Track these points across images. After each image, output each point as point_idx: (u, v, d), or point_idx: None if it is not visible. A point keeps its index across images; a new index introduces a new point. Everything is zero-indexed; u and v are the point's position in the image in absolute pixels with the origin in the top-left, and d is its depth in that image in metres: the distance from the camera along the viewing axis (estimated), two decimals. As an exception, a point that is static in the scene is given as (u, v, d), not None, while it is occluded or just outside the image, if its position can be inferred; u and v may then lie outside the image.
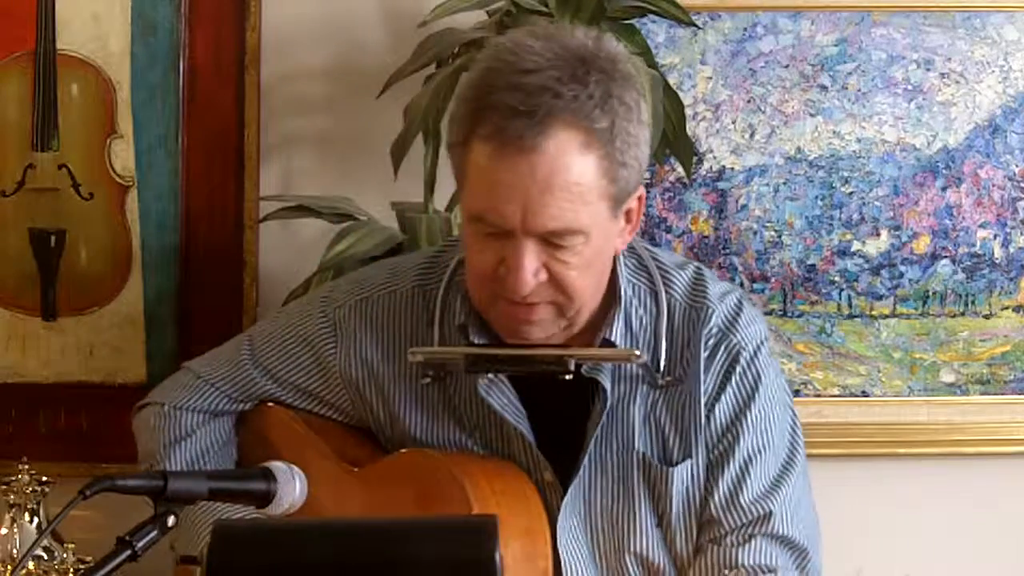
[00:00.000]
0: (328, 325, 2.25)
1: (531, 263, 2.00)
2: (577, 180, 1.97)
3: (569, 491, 2.12)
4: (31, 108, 2.86)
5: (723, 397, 2.13)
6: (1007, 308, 2.91)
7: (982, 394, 2.91)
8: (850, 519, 2.81)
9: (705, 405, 2.12)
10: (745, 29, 2.89)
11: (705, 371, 2.13)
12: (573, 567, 2.10)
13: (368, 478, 2.14)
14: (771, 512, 2.09)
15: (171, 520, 1.81)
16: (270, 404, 2.31)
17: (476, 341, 2.13)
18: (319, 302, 2.29)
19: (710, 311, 2.14)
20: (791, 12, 2.89)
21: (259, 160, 2.88)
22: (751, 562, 2.07)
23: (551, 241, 2.00)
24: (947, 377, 2.91)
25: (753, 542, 2.08)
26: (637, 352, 2.09)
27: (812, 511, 2.16)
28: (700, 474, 2.12)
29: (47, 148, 2.86)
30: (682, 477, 2.12)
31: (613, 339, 2.12)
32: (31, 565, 2.45)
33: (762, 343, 2.17)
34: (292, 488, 1.90)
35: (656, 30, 2.86)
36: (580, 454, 2.12)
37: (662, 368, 2.13)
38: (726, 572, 2.06)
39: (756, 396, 2.13)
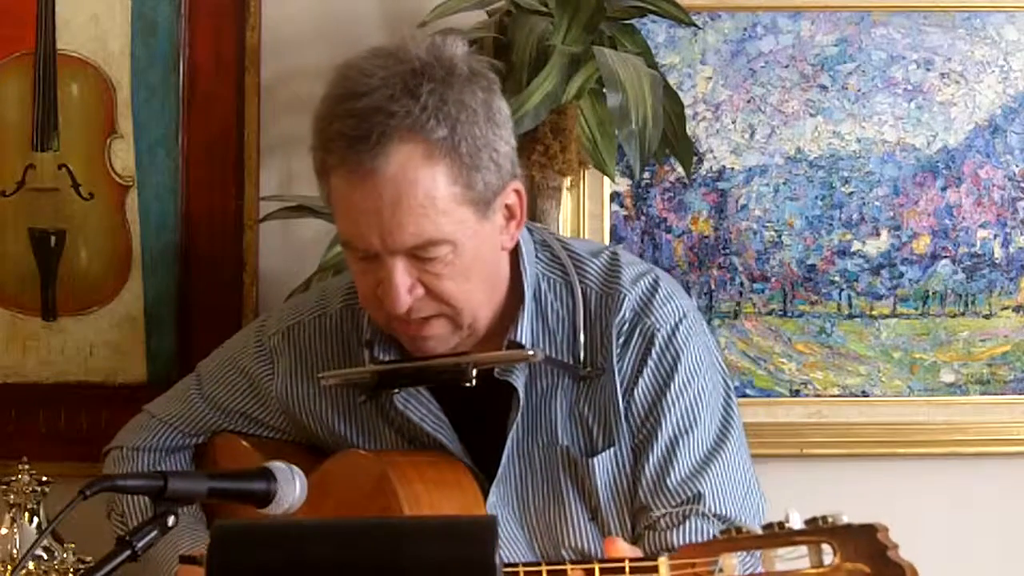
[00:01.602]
0: (263, 355, 2.29)
1: (403, 280, 2.01)
2: (426, 193, 1.98)
3: (492, 491, 2.12)
4: (31, 108, 2.86)
5: (641, 381, 2.11)
6: (1007, 308, 2.91)
7: (982, 394, 2.91)
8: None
9: (624, 392, 2.11)
10: (745, 29, 2.89)
11: (620, 358, 2.11)
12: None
13: (308, 486, 2.14)
14: (700, 493, 2.07)
15: (171, 520, 1.81)
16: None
17: (382, 357, 2.15)
18: (255, 332, 2.33)
19: (622, 297, 2.13)
20: (791, 12, 2.89)
21: (259, 160, 2.88)
22: (686, 542, 2.04)
23: (417, 256, 2.00)
24: (947, 377, 2.91)
25: (687, 523, 2.05)
26: (532, 352, 2.08)
27: (751, 485, 2.14)
28: (625, 462, 2.11)
29: (47, 148, 2.86)
30: (605, 467, 2.10)
31: (520, 339, 2.11)
32: (31, 565, 2.45)
33: (681, 320, 2.13)
34: (292, 488, 1.90)
35: (656, 30, 2.85)
36: (503, 454, 2.13)
37: (582, 359, 2.12)
38: (663, 557, 2.03)
39: (676, 375, 2.11)
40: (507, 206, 2.07)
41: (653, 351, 2.11)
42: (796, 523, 1.56)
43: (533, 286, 2.14)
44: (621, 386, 2.11)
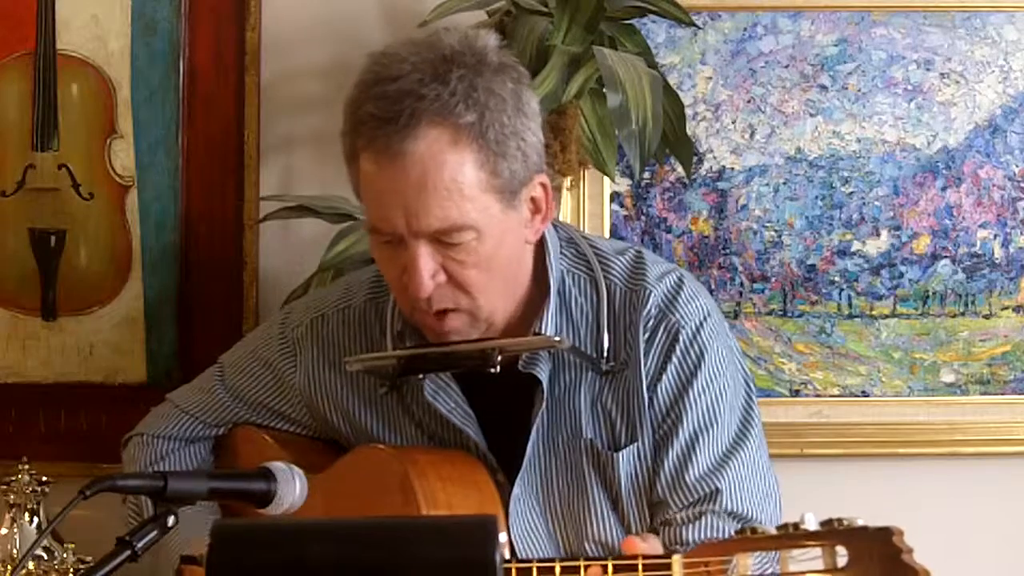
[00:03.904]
0: (287, 347, 2.29)
1: (426, 265, 2.02)
2: (452, 177, 1.99)
3: (516, 485, 2.13)
4: (31, 108, 2.86)
5: (664, 377, 2.12)
6: (1007, 308, 2.91)
7: (982, 394, 2.91)
8: (850, 519, 2.81)
9: (647, 387, 2.12)
10: (745, 29, 2.89)
11: (645, 353, 2.12)
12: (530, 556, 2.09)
13: (325, 480, 2.15)
14: (718, 489, 2.08)
15: (171, 520, 1.81)
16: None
17: (410, 345, 2.16)
18: (279, 324, 2.33)
19: (648, 293, 2.14)
20: (791, 12, 2.89)
21: (259, 160, 2.88)
22: (700, 538, 2.05)
23: (442, 240, 2.01)
24: (947, 377, 2.91)
25: (703, 519, 2.07)
26: (558, 338, 2.09)
27: (770, 486, 2.14)
28: (647, 457, 2.12)
29: (47, 148, 2.87)
30: (628, 460, 2.12)
31: (544, 332, 2.12)
32: (31, 565, 2.45)
33: (705, 319, 2.15)
34: (292, 488, 1.90)
35: (656, 30, 2.86)
36: (527, 446, 2.14)
37: (605, 354, 2.13)
38: (678, 548, 2.04)
39: (699, 373, 2.12)
40: (532, 199, 2.08)
41: (678, 347, 2.13)
42: (811, 524, 1.56)
43: (558, 281, 2.15)
44: (645, 380, 2.12)
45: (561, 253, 2.18)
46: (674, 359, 2.12)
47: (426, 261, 2.02)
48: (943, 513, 2.89)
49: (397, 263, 2.05)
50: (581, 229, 2.79)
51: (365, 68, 2.05)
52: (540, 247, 2.15)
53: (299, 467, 2.18)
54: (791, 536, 1.56)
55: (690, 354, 2.13)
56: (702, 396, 2.12)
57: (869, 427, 2.90)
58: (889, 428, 2.90)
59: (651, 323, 2.13)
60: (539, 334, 2.12)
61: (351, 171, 2.08)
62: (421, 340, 2.15)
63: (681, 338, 2.13)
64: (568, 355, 2.13)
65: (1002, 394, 2.91)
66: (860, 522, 1.54)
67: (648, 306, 2.14)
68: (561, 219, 2.78)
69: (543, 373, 2.12)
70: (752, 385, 2.21)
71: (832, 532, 1.54)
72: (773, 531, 1.57)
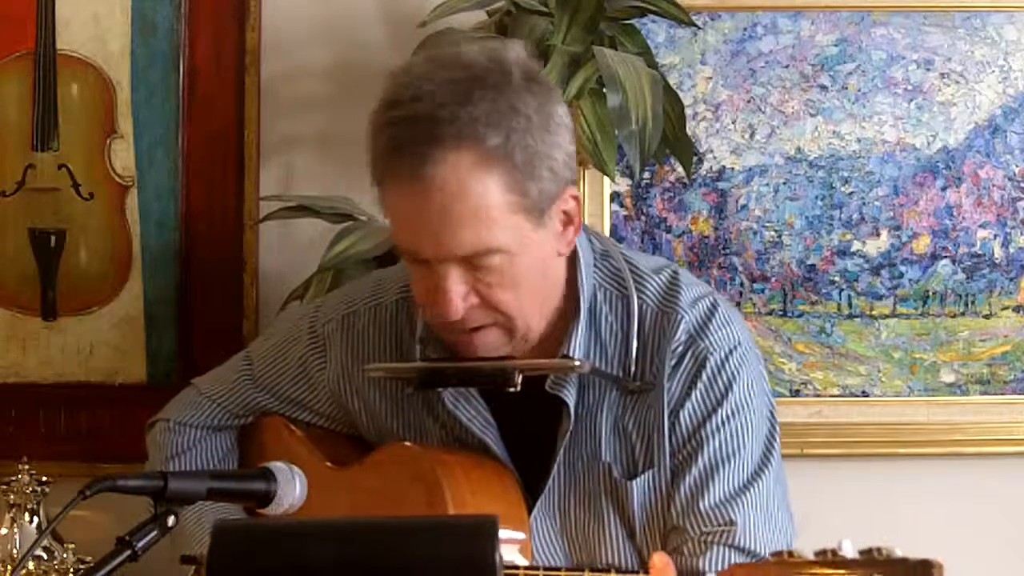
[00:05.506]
0: (317, 341, 2.28)
1: (457, 288, 1.99)
2: (478, 202, 1.95)
3: (538, 503, 2.11)
4: (31, 108, 2.86)
5: (688, 403, 2.09)
6: (1007, 308, 2.91)
7: (982, 394, 2.91)
8: (850, 519, 2.81)
9: (669, 413, 2.09)
10: (745, 29, 2.89)
11: (670, 378, 2.09)
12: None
13: (352, 476, 2.15)
14: (733, 521, 2.05)
15: (171, 520, 1.81)
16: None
17: (432, 355, 2.14)
18: (309, 318, 2.31)
19: (679, 317, 2.10)
20: (791, 12, 2.89)
21: (259, 160, 2.88)
22: (708, 570, 2.01)
23: (471, 263, 1.98)
24: (947, 377, 2.91)
25: (713, 550, 2.03)
26: (578, 362, 2.06)
27: (785, 519, 2.11)
28: (663, 484, 2.09)
29: (47, 148, 2.87)
30: (642, 489, 2.09)
31: (572, 353, 2.09)
32: (31, 565, 2.46)
33: (735, 346, 2.11)
34: (292, 488, 1.90)
35: (656, 30, 2.86)
36: (550, 467, 2.11)
37: (632, 374, 2.10)
38: (711, 574, 2.00)
39: (726, 401, 2.09)
40: (564, 212, 2.04)
41: (704, 374, 2.09)
42: (849, 551, 1.53)
43: (589, 298, 2.12)
44: (668, 406, 2.09)
45: (595, 267, 2.14)
46: (700, 385, 2.09)
47: (456, 285, 1.99)
48: (943, 513, 2.89)
49: (427, 282, 2.02)
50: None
51: (386, 89, 2.00)
52: (572, 261, 2.11)
53: (326, 461, 2.20)
54: (829, 563, 1.53)
55: (718, 381, 2.09)
56: (727, 424, 2.08)
57: (869, 427, 2.90)
58: (889, 428, 2.90)
59: (679, 349, 2.10)
60: (567, 355, 2.09)
61: (379, 193, 2.03)
62: (444, 349, 2.13)
63: (709, 364, 2.09)
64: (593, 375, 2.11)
65: (1002, 394, 2.91)
66: (899, 552, 1.52)
67: (679, 332, 2.10)
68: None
69: (570, 396, 2.09)
70: (776, 416, 2.16)
71: (871, 561, 1.52)
72: (810, 556, 1.55)
